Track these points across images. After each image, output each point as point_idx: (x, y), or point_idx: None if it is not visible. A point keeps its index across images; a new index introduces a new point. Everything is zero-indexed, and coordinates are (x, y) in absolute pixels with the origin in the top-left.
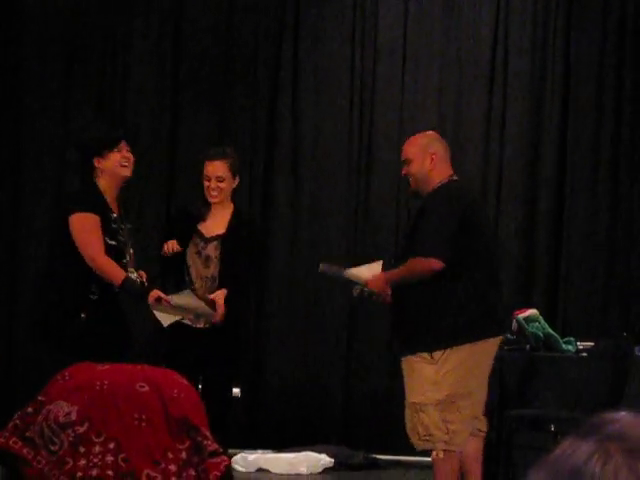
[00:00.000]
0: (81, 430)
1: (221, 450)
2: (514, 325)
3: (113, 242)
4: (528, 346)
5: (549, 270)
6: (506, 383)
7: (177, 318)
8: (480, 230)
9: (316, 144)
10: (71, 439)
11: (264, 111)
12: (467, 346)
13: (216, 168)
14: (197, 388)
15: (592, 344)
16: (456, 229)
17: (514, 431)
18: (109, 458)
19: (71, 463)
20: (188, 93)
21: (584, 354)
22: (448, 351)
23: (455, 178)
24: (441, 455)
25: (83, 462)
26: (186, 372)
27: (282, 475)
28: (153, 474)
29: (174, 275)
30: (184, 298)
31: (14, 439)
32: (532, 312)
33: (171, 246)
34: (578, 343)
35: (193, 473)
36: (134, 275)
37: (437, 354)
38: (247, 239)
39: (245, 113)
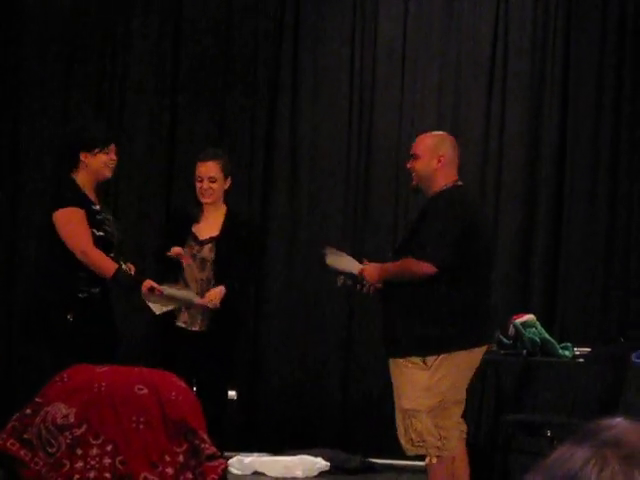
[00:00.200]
0: (79, 432)
1: (218, 453)
2: (511, 330)
3: (101, 233)
4: (525, 351)
5: (547, 273)
6: (502, 388)
7: (170, 307)
8: (480, 239)
9: (315, 144)
10: (69, 441)
11: (264, 111)
12: (461, 353)
13: (208, 169)
14: (191, 389)
15: (589, 350)
16: (457, 237)
17: (510, 436)
18: (106, 460)
19: (68, 465)
20: (187, 93)
21: (581, 360)
22: (442, 357)
23: (459, 184)
24: (434, 461)
25: (80, 464)
26: (180, 374)
27: (278, 478)
28: (151, 477)
29: (171, 277)
30: (176, 287)
31: (12, 440)
32: (529, 317)
33: (176, 252)
34: (575, 349)
35: (190, 476)
36: (124, 267)
37: (430, 360)
38: (246, 239)
39: (244, 113)
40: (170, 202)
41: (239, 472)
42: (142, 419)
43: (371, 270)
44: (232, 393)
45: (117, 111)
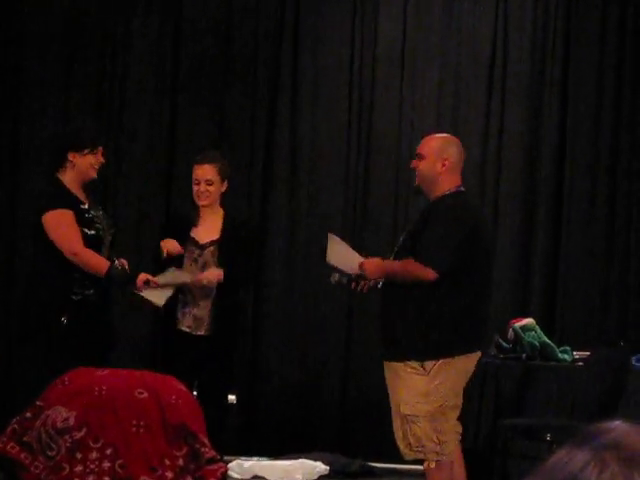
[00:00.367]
0: (78, 436)
1: (218, 457)
2: (510, 334)
3: (92, 232)
4: (524, 355)
5: (546, 275)
6: (502, 392)
7: (169, 294)
8: (481, 244)
9: (315, 144)
10: (68, 445)
11: (263, 111)
12: (460, 358)
13: (205, 171)
14: (191, 392)
15: (588, 353)
16: (459, 243)
17: (509, 440)
18: (106, 464)
19: (68, 469)
20: (187, 93)
21: (580, 363)
22: (441, 362)
23: (462, 189)
24: (433, 465)
25: (80, 468)
26: (182, 377)
27: None
28: None
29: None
30: (170, 275)
31: (12, 444)
32: (528, 321)
33: (171, 246)
34: (574, 352)
35: None
36: (116, 263)
37: (429, 364)
38: (246, 239)
39: (244, 113)
40: (170, 202)
41: (239, 476)
42: (142, 423)
43: (372, 265)
44: (231, 397)
45: (117, 111)
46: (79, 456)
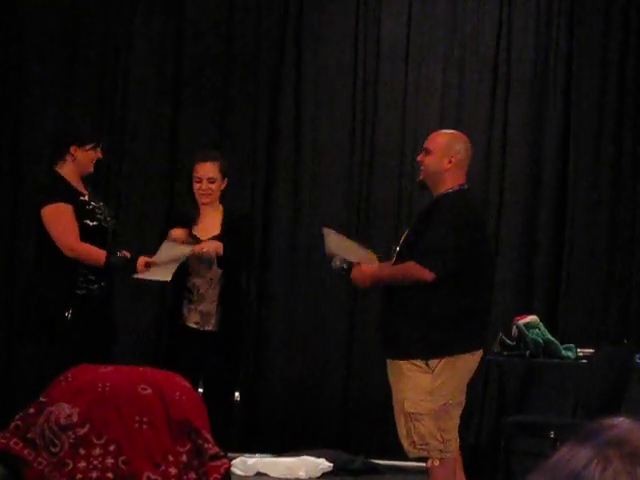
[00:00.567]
0: (82, 432)
1: (222, 453)
2: (514, 331)
3: (94, 223)
4: (528, 352)
5: (550, 274)
6: (505, 389)
7: (174, 268)
8: (483, 243)
9: (317, 144)
10: (72, 441)
11: (266, 110)
12: (464, 356)
13: (207, 169)
14: (197, 390)
15: (592, 351)
16: (460, 243)
17: (513, 437)
18: (109, 460)
19: (71, 465)
20: (189, 93)
21: (584, 361)
22: (445, 360)
23: (466, 187)
24: (437, 463)
25: (83, 464)
26: (186, 374)
27: (281, 479)
28: (153, 477)
29: (174, 279)
30: (167, 251)
31: (15, 440)
32: (532, 318)
33: (179, 235)
34: (578, 350)
35: (194, 476)
36: (119, 255)
37: (433, 363)
38: (247, 232)
39: (246, 113)
40: (172, 202)
41: (242, 473)
42: (145, 419)
43: (362, 275)
44: (235, 394)
45: (118, 110)
46: (82, 452)
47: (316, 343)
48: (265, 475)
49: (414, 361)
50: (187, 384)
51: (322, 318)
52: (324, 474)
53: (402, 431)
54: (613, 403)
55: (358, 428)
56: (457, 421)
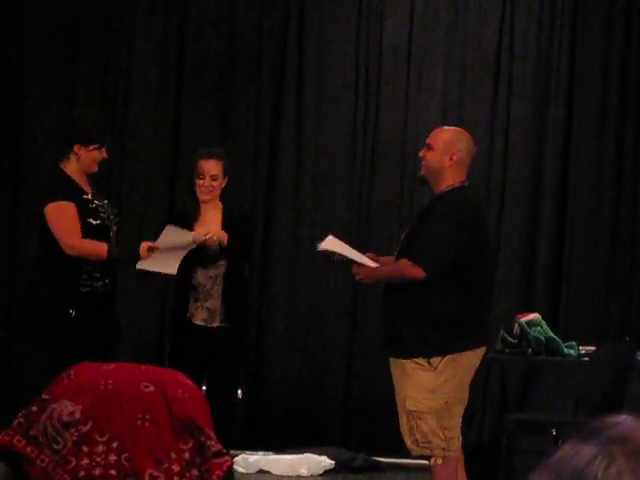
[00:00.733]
0: (85, 429)
1: (224, 451)
2: (516, 329)
3: (97, 221)
4: (530, 350)
5: (552, 271)
6: (507, 387)
7: (178, 261)
8: (484, 240)
9: (319, 143)
10: (75, 438)
11: (268, 108)
12: (466, 353)
13: (211, 167)
14: (200, 387)
15: (594, 348)
16: (457, 244)
17: (514, 435)
18: (112, 457)
19: (74, 462)
20: (191, 91)
21: (586, 358)
22: (447, 358)
23: (466, 184)
24: (440, 461)
25: (86, 461)
26: (190, 372)
27: (283, 477)
28: (156, 474)
29: (178, 279)
30: (170, 235)
31: (18, 437)
32: (534, 316)
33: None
34: (580, 347)
35: (196, 473)
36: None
37: (435, 361)
38: (248, 230)
39: (248, 111)
40: (173, 202)
41: (244, 470)
42: (148, 416)
43: (365, 272)
44: (238, 392)
45: (121, 109)
46: (85, 449)
47: (318, 341)
48: (267, 472)
49: (416, 360)
50: (190, 382)
51: (323, 316)
52: (326, 471)
53: (405, 429)
54: (615, 401)
55: (360, 425)
56: (459, 419)
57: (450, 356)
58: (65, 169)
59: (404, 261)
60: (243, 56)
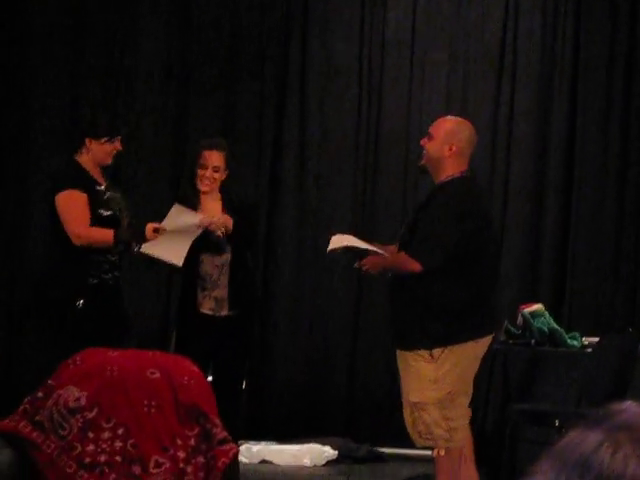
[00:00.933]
0: (90, 415)
1: (230, 438)
2: (519, 319)
3: (108, 212)
4: (533, 341)
5: (555, 263)
6: (510, 377)
7: (185, 251)
8: (485, 230)
9: (324, 135)
10: (80, 424)
11: (272, 102)
12: (468, 344)
13: (214, 158)
14: (207, 377)
15: (597, 339)
16: (456, 236)
17: (518, 426)
18: (118, 444)
19: (79, 448)
20: (194, 89)
21: (589, 349)
22: (448, 349)
23: (467, 174)
24: (442, 452)
25: (92, 447)
26: (196, 361)
27: (286, 466)
28: (162, 460)
29: (183, 268)
30: (175, 216)
31: (24, 423)
32: (538, 307)
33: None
34: (583, 338)
35: (202, 460)
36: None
37: (437, 352)
38: (253, 217)
39: (252, 108)
40: (175, 198)
41: (247, 460)
42: (154, 403)
43: (371, 262)
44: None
45: (123, 107)
46: (91, 435)
47: (322, 331)
48: (270, 462)
49: (418, 352)
50: (196, 368)
51: (328, 306)
52: (329, 462)
53: (408, 421)
54: (618, 391)
55: (363, 416)
56: (463, 410)
57: (451, 347)
58: (80, 160)
59: (402, 254)
60: (245, 51)
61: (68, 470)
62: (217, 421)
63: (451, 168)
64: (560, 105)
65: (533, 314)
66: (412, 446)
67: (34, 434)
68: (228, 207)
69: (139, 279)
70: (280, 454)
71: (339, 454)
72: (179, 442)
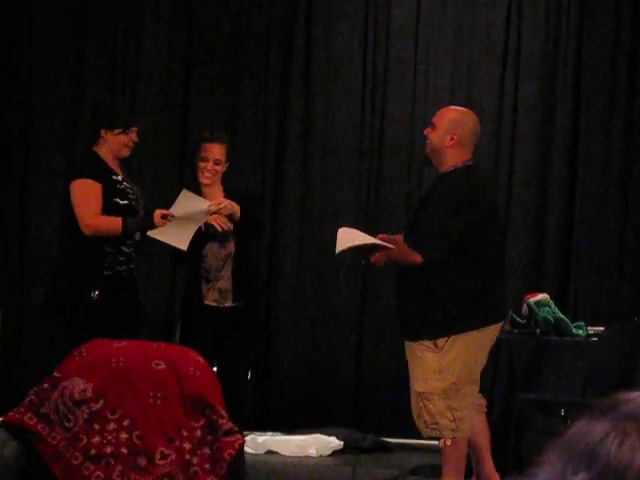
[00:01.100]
0: (96, 407)
1: (236, 429)
2: (524, 309)
3: (125, 202)
4: (538, 330)
5: (560, 252)
6: (516, 367)
7: (190, 235)
8: (489, 220)
9: (328, 128)
10: (86, 416)
11: (276, 92)
12: (472, 333)
13: (216, 151)
14: (212, 368)
15: (602, 329)
16: (457, 228)
17: (523, 415)
18: (123, 435)
19: (85, 440)
20: (199, 82)
21: (595, 339)
22: (452, 338)
23: (470, 164)
24: (449, 443)
25: (97, 439)
26: (201, 352)
27: (291, 457)
28: (167, 452)
29: (187, 261)
30: (184, 201)
31: (29, 415)
32: (543, 296)
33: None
34: (589, 327)
35: (208, 451)
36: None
37: (441, 342)
38: (258, 206)
39: (255, 107)
40: (181, 188)
41: (253, 451)
42: (159, 394)
43: (379, 255)
44: (248, 374)
45: (129, 101)
46: (97, 427)
47: (327, 322)
48: (276, 453)
49: (423, 342)
50: (201, 359)
51: (333, 297)
52: (335, 452)
53: (415, 411)
54: (624, 381)
55: (369, 406)
56: (469, 400)
57: (455, 337)
58: (97, 150)
59: (404, 246)
60: (247, 51)
61: (74, 462)
62: (223, 412)
63: (453, 158)
64: (564, 94)
65: (538, 303)
66: (418, 436)
67: (39, 426)
68: (231, 199)
69: (144, 271)
70: (286, 445)
71: (345, 444)
72: (185, 433)
